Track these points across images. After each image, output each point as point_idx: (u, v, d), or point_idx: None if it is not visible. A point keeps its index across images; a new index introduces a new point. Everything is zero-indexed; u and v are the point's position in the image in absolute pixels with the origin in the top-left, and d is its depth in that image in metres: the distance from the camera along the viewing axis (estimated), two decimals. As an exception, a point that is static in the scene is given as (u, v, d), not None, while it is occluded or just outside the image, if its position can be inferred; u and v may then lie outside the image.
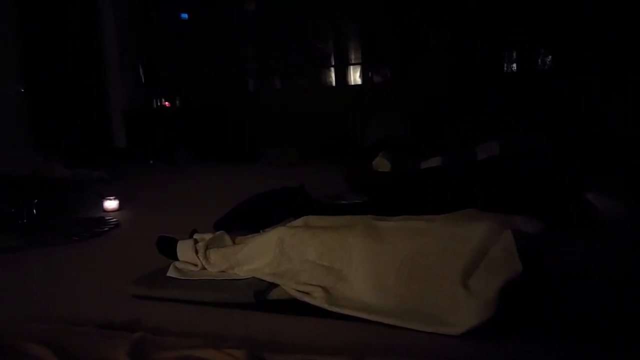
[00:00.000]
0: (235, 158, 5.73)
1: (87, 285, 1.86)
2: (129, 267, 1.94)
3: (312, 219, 1.84)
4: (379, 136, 5.22)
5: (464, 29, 5.59)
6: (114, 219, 2.89)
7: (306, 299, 1.51)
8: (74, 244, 2.44)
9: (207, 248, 1.85)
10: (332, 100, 6.34)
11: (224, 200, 2.73)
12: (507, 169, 2.80)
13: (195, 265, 1.82)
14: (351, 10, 6.22)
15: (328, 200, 2.89)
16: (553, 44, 5.36)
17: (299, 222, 1.85)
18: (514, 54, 5.62)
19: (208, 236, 1.96)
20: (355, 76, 6.47)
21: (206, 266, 1.80)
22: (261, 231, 2.06)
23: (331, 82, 6.57)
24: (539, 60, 5.51)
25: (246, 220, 2.38)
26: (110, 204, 3.16)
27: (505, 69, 5.68)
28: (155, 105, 6.73)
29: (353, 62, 6.46)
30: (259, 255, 1.73)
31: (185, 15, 7.12)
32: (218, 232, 2.00)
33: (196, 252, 1.84)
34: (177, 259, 1.87)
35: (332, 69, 6.55)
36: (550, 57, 5.43)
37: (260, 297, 1.57)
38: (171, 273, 1.79)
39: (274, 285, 1.62)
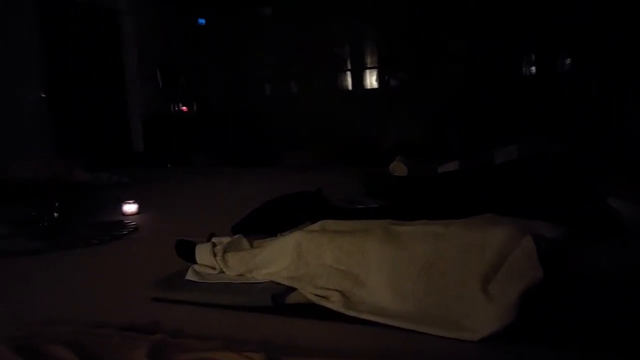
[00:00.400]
0: (252, 162, 5.77)
1: (107, 287, 1.88)
2: (148, 269, 1.96)
3: (329, 223, 1.85)
4: (395, 140, 5.22)
5: (480, 33, 5.56)
6: (133, 223, 2.92)
7: (324, 303, 1.51)
8: (94, 247, 2.47)
9: (225, 251, 1.85)
10: (349, 104, 6.34)
11: (241, 204, 2.74)
12: (525, 173, 2.78)
13: (214, 268, 1.83)
14: (367, 14, 6.22)
15: (345, 204, 2.89)
16: (569, 47, 5.30)
17: (316, 226, 1.85)
18: (532, 57, 5.57)
19: (226, 239, 1.98)
20: (371, 80, 6.46)
21: (224, 269, 1.81)
22: (278, 235, 2.06)
23: (347, 86, 6.57)
24: (557, 63, 5.46)
25: (263, 223, 2.39)
26: (130, 207, 3.19)
27: (522, 72, 5.64)
28: (173, 110, 6.81)
29: (369, 65, 6.45)
30: (277, 259, 1.74)
31: (202, 21, 7.20)
32: (236, 236, 2.01)
33: (214, 255, 1.85)
34: (195, 262, 1.89)
35: (349, 73, 6.54)
36: (568, 59, 5.37)
37: (278, 300, 1.57)
38: (190, 276, 1.80)
39: (291, 289, 1.62)
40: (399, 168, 3.49)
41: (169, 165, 6.19)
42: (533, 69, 5.60)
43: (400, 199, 2.89)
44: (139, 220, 3.02)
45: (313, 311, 1.50)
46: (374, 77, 6.43)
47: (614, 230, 2.06)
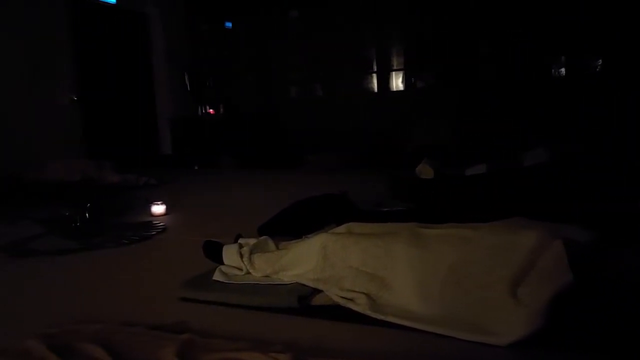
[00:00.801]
0: (278, 164, 5.81)
1: (136, 287, 1.91)
2: (176, 270, 1.99)
3: (355, 226, 1.84)
4: (422, 142, 5.18)
5: (508, 36, 5.49)
6: (161, 223, 2.97)
7: (349, 305, 1.51)
8: (124, 247, 2.52)
9: (251, 253, 1.87)
10: (375, 106, 6.32)
11: (267, 206, 2.77)
12: (554, 176, 2.73)
13: (240, 269, 1.84)
14: (394, 16, 6.19)
15: (370, 207, 2.88)
16: (602, 50, 5.20)
17: (341, 228, 1.85)
18: (562, 59, 5.47)
19: (252, 241, 1.99)
20: (397, 82, 6.43)
21: (251, 270, 1.82)
22: (304, 237, 2.07)
23: (373, 89, 6.54)
24: (588, 66, 5.35)
25: (289, 225, 2.40)
26: (158, 208, 3.25)
27: (552, 74, 5.54)
28: (200, 113, 6.90)
29: (395, 68, 6.41)
30: (302, 261, 1.74)
31: (229, 24, 7.27)
32: (262, 237, 2.03)
33: (241, 256, 1.86)
34: (222, 263, 1.91)
35: (375, 75, 6.52)
36: (599, 62, 5.26)
37: (304, 302, 1.58)
38: (217, 277, 1.82)
39: (317, 291, 1.63)
40: (425, 170, 3.46)
41: (196, 167, 6.28)
42: (562, 70, 5.49)
43: (427, 202, 2.87)
44: (167, 221, 3.07)
45: (339, 313, 1.51)
46: (400, 79, 6.40)
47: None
